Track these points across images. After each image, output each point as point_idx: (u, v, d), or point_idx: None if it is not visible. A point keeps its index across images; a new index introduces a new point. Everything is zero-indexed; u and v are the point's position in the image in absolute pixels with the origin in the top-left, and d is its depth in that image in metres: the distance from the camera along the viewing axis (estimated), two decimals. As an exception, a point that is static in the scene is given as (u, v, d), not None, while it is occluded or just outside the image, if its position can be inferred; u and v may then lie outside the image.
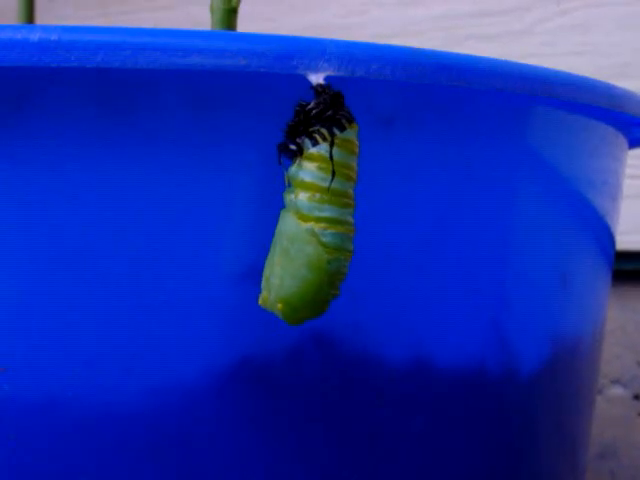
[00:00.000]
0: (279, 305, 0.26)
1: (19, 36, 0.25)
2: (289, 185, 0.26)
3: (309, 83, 0.26)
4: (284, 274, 0.26)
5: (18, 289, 0.28)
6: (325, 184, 0.26)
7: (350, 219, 0.26)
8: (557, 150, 0.35)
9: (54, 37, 0.25)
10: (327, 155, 0.26)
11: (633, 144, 0.43)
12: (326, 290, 0.26)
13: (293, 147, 0.26)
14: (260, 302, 0.27)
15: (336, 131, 0.26)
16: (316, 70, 0.26)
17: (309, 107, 0.26)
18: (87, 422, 0.28)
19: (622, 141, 0.40)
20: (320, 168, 0.26)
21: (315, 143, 0.26)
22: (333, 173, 0.26)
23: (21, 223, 0.27)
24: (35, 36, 0.25)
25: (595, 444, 0.61)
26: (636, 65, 0.63)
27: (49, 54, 0.25)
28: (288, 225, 0.26)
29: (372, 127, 0.29)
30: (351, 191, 0.26)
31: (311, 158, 0.26)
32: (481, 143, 0.32)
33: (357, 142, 0.26)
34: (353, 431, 0.31)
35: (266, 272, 0.27)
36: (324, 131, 0.26)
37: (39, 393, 0.28)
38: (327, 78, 0.26)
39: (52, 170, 0.27)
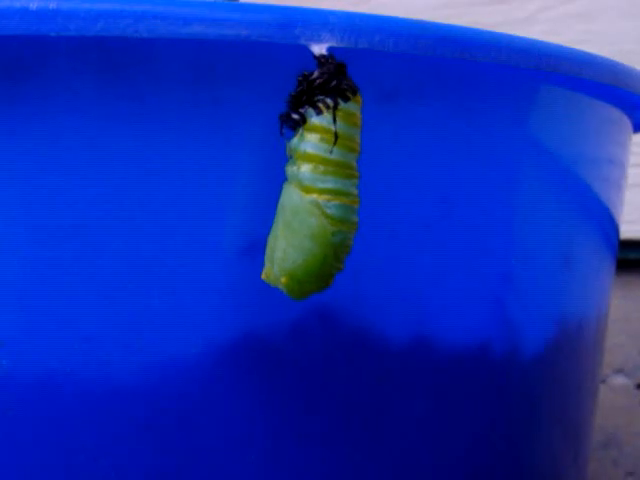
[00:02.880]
0: (283, 279, 0.26)
1: (17, 4, 0.24)
2: (291, 157, 0.26)
3: (312, 54, 0.26)
4: (288, 247, 0.26)
5: (16, 263, 0.27)
6: (328, 155, 0.25)
7: (354, 190, 0.26)
8: (561, 130, 0.34)
9: (53, 5, 0.24)
10: (330, 126, 0.25)
11: (638, 128, 0.42)
12: (331, 263, 0.26)
13: (296, 117, 0.26)
14: (263, 276, 0.27)
15: (340, 101, 0.25)
16: (319, 41, 0.26)
17: (313, 77, 0.25)
18: (86, 398, 0.28)
19: (627, 124, 0.40)
20: (322, 139, 0.25)
21: (319, 112, 0.25)
22: (336, 138, 0.25)
23: (20, 197, 0.27)
24: (34, 4, 0.24)
25: (598, 433, 0.61)
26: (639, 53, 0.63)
27: (48, 23, 0.24)
28: (291, 197, 0.26)
29: (376, 101, 0.29)
30: (354, 163, 0.26)
31: (313, 129, 0.25)
32: (484, 120, 0.31)
33: (360, 115, 0.26)
34: (355, 408, 0.30)
35: (269, 246, 0.27)
36: (328, 100, 0.25)
37: (38, 369, 0.28)
38: (330, 49, 0.26)
39: (52, 142, 0.27)
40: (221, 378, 0.29)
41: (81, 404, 0.28)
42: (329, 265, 0.26)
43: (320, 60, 0.25)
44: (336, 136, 0.25)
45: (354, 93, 0.25)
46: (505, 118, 0.32)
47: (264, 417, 0.29)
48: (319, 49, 0.25)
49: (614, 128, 0.38)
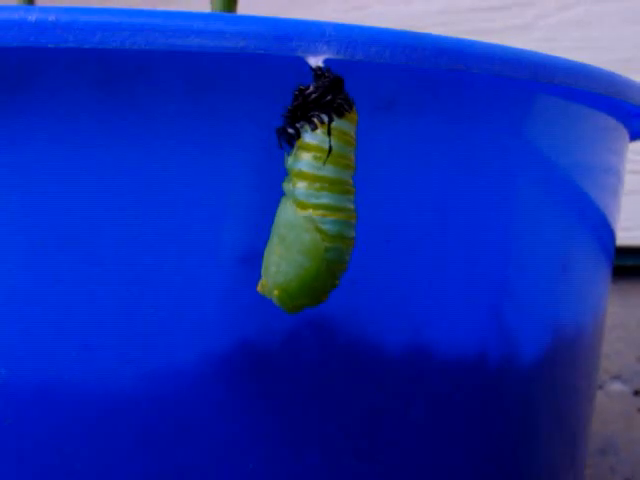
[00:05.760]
0: (275, 291, 0.26)
1: (16, 16, 0.24)
2: (287, 174, 0.26)
3: (309, 66, 0.26)
4: (281, 261, 0.26)
5: (14, 272, 0.27)
6: (322, 173, 0.26)
7: (350, 205, 0.26)
8: (557, 139, 0.34)
9: (52, 18, 0.24)
10: (323, 144, 0.25)
11: (634, 137, 0.43)
12: (324, 279, 0.26)
13: (292, 131, 0.26)
14: (259, 288, 0.27)
15: (335, 117, 0.25)
16: (315, 53, 0.26)
17: (308, 91, 0.26)
18: (84, 407, 0.28)
19: (623, 133, 0.40)
20: (316, 158, 0.26)
21: (314, 128, 0.26)
22: (329, 153, 0.25)
23: (20, 206, 0.27)
24: (32, 17, 0.24)
25: (595, 439, 0.61)
26: (638, 61, 0.63)
27: (47, 35, 0.24)
28: (286, 213, 0.26)
29: (373, 111, 0.29)
30: (350, 179, 0.26)
31: (307, 148, 0.26)
32: (481, 130, 0.32)
33: (354, 134, 0.26)
34: (351, 417, 0.30)
35: (265, 260, 0.27)
36: (323, 116, 0.25)
37: (36, 377, 0.28)
38: (327, 61, 0.26)
39: (51, 154, 0.27)
40: (218, 387, 0.29)
41: (79, 413, 0.28)
42: (322, 281, 0.26)
43: (316, 73, 0.26)
44: (329, 152, 0.25)
45: (350, 107, 0.26)
46: (501, 127, 0.32)
47: (261, 426, 0.29)
48: (315, 61, 0.26)
49: (610, 137, 0.38)
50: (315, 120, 0.26)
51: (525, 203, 0.34)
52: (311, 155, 0.26)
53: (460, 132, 0.31)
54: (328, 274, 0.26)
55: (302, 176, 0.26)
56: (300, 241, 0.26)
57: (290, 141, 0.26)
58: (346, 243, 0.26)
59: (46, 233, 0.27)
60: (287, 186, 0.26)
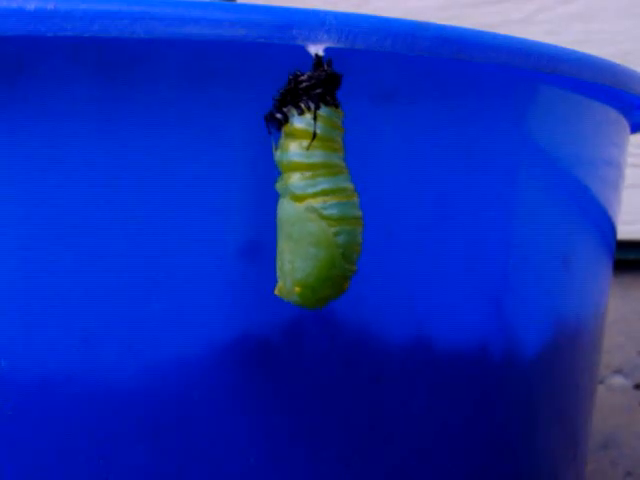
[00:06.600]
0: (296, 289, 0.26)
1: (15, 5, 0.24)
2: (279, 174, 0.26)
3: (310, 55, 0.26)
4: (294, 258, 0.26)
5: (15, 264, 0.27)
6: (312, 160, 0.25)
7: (347, 184, 0.26)
8: (558, 130, 0.34)
9: (50, 6, 0.24)
10: (309, 127, 0.25)
11: (635, 129, 0.42)
12: (340, 265, 0.26)
13: (279, 116, 0.26)
14: (276, 292, 0.27)
15: (322, 105, 0.25)
16: (315, 41, 0.26)
17: (301, 78, 0.26)
18: (86, 399, 0.28)
19: (624, 125, 0.40)
20: (303, 145, 0.25)
21: (301, 112, 0.25)
22: (314, 136, 0.25)
23: (19, 198, 0.27)
24: (31, 5, 0.24)
25: (596, 434, 0.61)
26: (638, 53, 0.63)
27: (45, 23, 0.24)
28: (286, 210, 0.26)
29: (373, 101, 0.29)
30: (341, 161, 0.26)
31: (294, 134, 0.25)
32: (483, 121, 0.31)
33: (340, 121, 0.26)
34: (353, 409, 0.30)
35: (278, 263, 0.27)
36: (311, 103, 0.25)
37: (36, 370, 0.28)
38: (329, 51, 0.26)
39: (50, 143, 0.27)
40: (220, 378, 0.29)
41: (80, 405, 0.28)
42: (339, 267, 0.26)
43: (315, 62, 0.25)
44: (314, 136, 0.25)
45: (336, 106, 0.26)
46: (503, 119, 0.32)
47: (263, 417, 0.29)
48: (316, 50, 0.25)
49: (612, 129, 0.38)
50: (302, 105, 0.25)
51: (526, 194, 0.34)
52: (298, 143, 0.25)
53: (462, 122, 0.31)
54: (344, 259, 0.26)
55: (293, 167, 0.25)
56: (307, 233, 0.25)
57: (278, 127, 0.26)
58: (353, 223, 0.26)
59: (47, 225, 0.27)
60: (280, 185, 0.26)
